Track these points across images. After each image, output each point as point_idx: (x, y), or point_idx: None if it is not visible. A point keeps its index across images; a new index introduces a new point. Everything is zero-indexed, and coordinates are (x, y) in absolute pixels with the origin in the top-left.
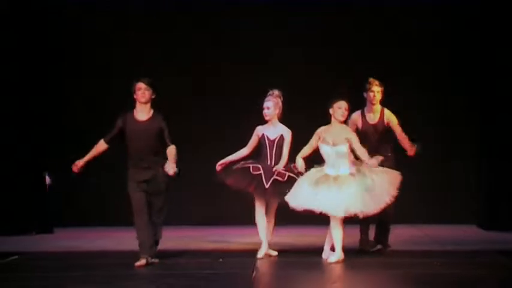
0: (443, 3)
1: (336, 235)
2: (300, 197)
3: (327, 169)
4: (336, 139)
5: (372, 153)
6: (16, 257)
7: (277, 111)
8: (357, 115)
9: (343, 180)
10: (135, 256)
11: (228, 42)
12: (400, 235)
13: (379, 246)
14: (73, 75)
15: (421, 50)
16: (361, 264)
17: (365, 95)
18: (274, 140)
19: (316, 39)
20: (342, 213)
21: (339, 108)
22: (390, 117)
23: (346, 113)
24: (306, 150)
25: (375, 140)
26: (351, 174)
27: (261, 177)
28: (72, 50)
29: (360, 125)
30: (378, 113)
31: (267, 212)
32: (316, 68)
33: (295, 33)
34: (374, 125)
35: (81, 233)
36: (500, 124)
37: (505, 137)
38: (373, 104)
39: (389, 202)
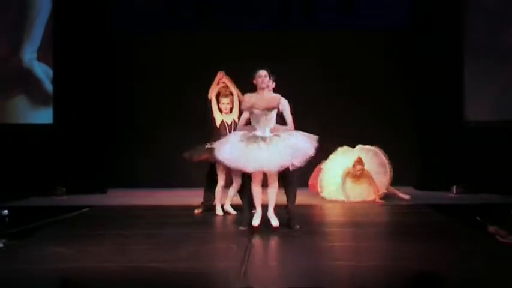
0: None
1: (272, 194)
2: (232, 154)
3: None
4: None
5: None
6: (87, 209)
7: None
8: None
9: (270, 140)
10: (178, 209)
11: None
12: None
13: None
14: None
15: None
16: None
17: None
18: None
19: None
20: (275, 168)
21: (259, 77)
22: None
23: (266, 79)
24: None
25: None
26: (276, 135)
27: None
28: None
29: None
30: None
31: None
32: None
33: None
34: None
35: (129, 193)
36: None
37: (438, 113)
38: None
39: (312, 155)
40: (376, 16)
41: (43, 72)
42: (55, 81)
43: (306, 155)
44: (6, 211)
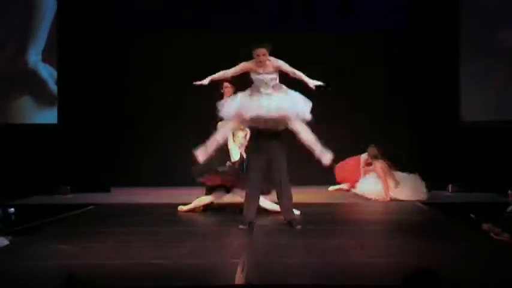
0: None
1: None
2: (235, 106)
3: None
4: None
5: None
6: (92, 207)
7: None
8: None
9: (271, 93)
10: (175, 206)
11: None
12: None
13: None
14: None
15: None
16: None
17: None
18: None
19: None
20: (275, 113)
21: (257, 55)
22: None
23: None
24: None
25: None
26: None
27: None
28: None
29: None
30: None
31: None
32: None
33: None
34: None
35: (132, 191)
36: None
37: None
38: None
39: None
40: (375, 17)
41: (48, 73)
42: (59, 82)
43: (303, 111)
44: (12, 209)
